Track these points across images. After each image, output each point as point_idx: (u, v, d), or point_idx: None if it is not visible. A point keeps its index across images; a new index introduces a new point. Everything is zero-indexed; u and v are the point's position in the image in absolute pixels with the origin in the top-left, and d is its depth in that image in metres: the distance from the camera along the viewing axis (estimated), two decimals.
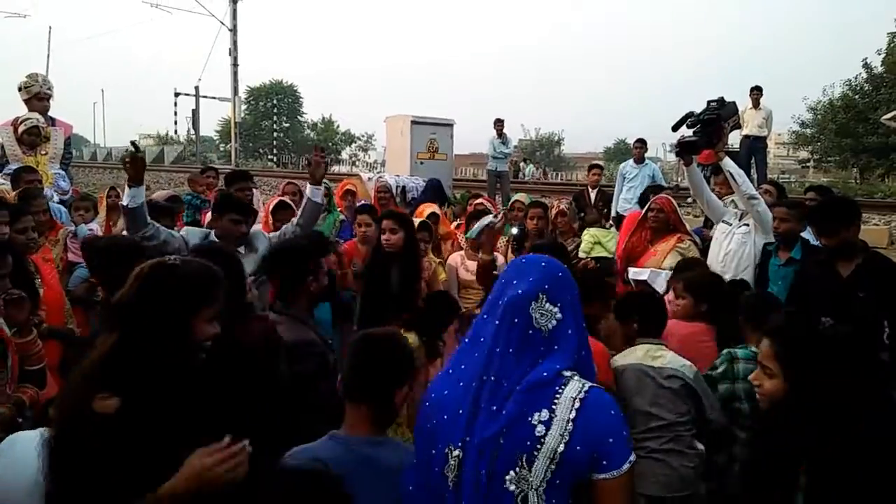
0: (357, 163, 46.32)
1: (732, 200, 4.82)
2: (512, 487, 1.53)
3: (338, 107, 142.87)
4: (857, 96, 24.04)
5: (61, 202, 5.55)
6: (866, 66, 23.94)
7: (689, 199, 9.67)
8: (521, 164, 27.98)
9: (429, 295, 3.83)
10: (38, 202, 4.21)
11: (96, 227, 5.20)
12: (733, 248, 4.53)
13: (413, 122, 12.17)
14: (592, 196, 8.60)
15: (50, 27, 34.30)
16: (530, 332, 1.61)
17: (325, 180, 5.18)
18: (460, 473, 1.59)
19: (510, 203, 6.45)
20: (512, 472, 1.53)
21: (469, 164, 32.84)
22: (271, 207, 4.81)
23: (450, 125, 12.91)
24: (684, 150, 4.68)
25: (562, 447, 1.51)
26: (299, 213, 4.09)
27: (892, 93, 22.21)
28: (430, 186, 6.62)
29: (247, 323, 2.43)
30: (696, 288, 3.55)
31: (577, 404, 1.54)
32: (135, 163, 3.61)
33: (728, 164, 4.56)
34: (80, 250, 3.83)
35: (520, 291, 1.64)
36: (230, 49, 27.38)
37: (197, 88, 32.89)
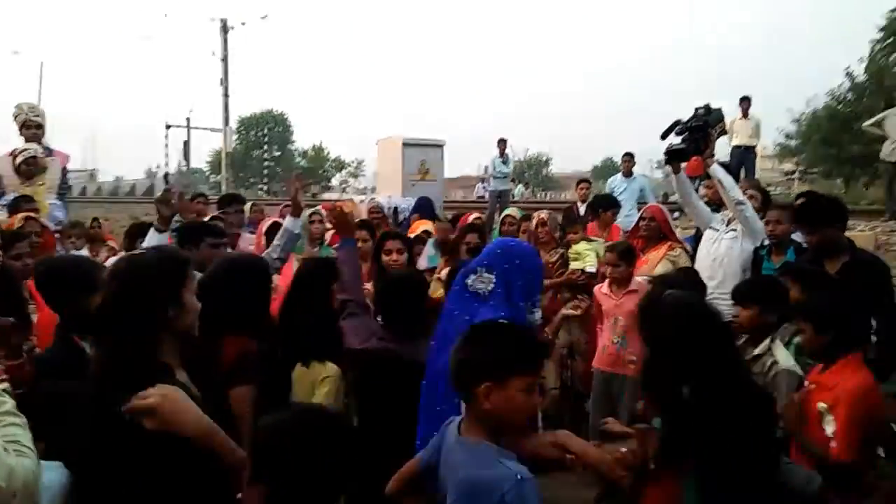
0: (347, 189, 46.47)
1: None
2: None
3: (328, 133, 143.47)
4: (840, 106, 24.31)
5: (56, 233, 5.57)
6: (849, 75, 24.22)
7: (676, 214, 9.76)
8: (511, 184, 28.12)
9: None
10: (30, 223, 4.21)
11: (85, 252, 5.22)
12: (721, 253, 4.58)
13: (405, 145, 12.30)
14: (581, 210, 8.67)
15: (41, 63, 34.46)
16: (466, 294, 2.35)
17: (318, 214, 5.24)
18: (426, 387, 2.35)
19: (502, 218, 6.52)
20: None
21: (457, 188, 32.98)
22: (265, 228, 4.84)
23: (440, 146, 13.03)
24: (672, 157, 4.74)
25: None
26: (276, 243, 4.05)
27: (875, 101, 22.47)
28: (420, 205, 6.68)
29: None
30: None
31: None
32: (169, 201, 3.57)
33: (716, 170, 4.62)
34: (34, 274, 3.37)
35: (463, 269, 2.40)
36: (221, 79, 27.57)
37: (188, 120, 33.07)
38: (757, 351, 3.05)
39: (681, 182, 4.79)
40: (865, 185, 21.34)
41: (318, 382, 2.80)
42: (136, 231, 4.65)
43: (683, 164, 4.83)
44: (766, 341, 3.04)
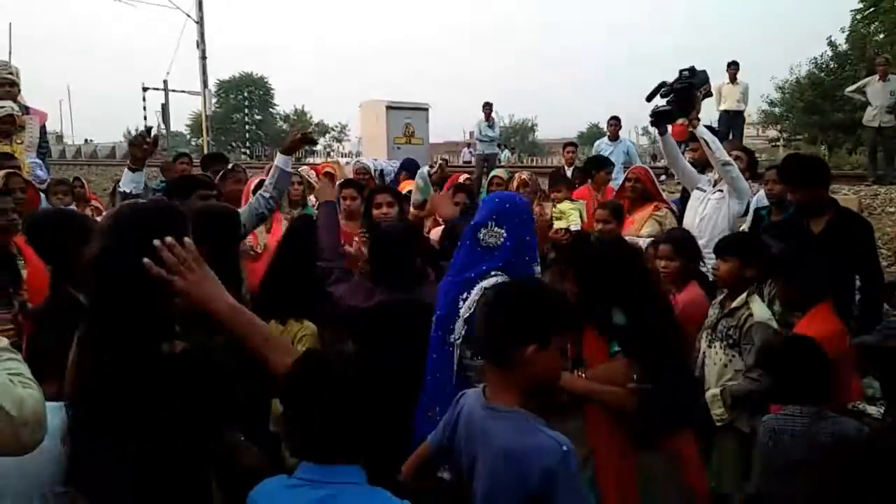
0: (332, 153, 46.04)
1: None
2: (450, 340, 2.35)
3: (310, 97, 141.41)
4: (823, 74, 24.39)
5: (40, 191, 5.49)
6: (831, 44, 24.28)
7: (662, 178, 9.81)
8: (498, 149, 28.05)
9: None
10: (14, 179, 4.13)
11: (72, 209, 5.15)
12: (708, 214, 4.61)
13: (388, 108, 12.20)
14: (569, 174, 8.68)
15: (10, 24, 33.43)
16: (478, 248, 2.42)
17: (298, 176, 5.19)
18: (434, 329, 2.45)
19: (490, 178, 6.51)
20: (451, 335, 2.35)
21: (443, 152, 32.75)
22: (252, 186, 4.78)
23: (425, 110, 12.94)
24: (659, 119, 4.74)
25: (467, 315, 2.32)
26: (269, 182, 3.82)
27: (856, 70, 22.52)
28: (405, 166, 6.64)
29: None
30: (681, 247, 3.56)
31: (482, 290, 2.30)
32: (142, 145, 3.38)
33: (702, 131, 4.63)
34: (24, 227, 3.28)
35: (475, 221, 2.46)
36: (197, 41, 26.89)
37: (165, 82, 32.32)
38: (734, 304, 3.10)
39: (667, 143, 4.80)
40: (849, 152, 21.50)
41: (295, 341, 2.84)
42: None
43: (669, 126, 4.84)
44: (743, 295, 3.09)
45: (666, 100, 4.72)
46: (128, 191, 3.38)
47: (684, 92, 4.64)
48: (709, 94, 4.86)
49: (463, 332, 2.33)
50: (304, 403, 1.54)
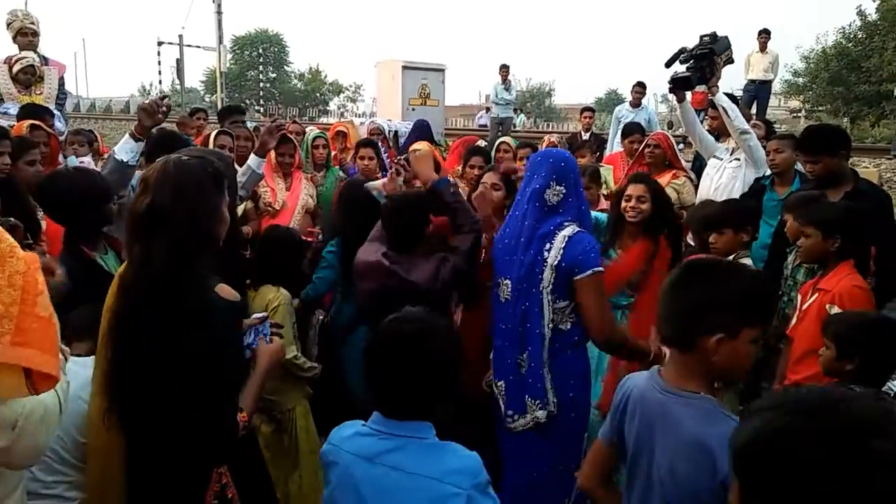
0: (346, 113, 45.66)
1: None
2: (537, 290, 2.56)
3: (325, 56, 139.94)
4: (850, 44, 23.82)
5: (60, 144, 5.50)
6: (860, 13, 23.65)
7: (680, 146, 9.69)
8: (513, 113, 27.77)
9: None
10: (37, 133, 4.14)
11: (89, 160, 5.17)
12: (724, 182, 4.59)
13: (404, 68, 12.05)
14: (585, 138, 8.61)
15: None
16: (545, 208, 2.62)
17: (323, 138, 5.16)
18: (510, 294, 2.66)
19: (497, 145, 6.46)
20: (539, 285, 2.56)
21: (458, 115, 32.48)
22: (213, 136, 4.72)
23: (441, 70, 12.77)
24: (677, 86, 4.67)
25: (556, 261, 2.53)
26: (240, 179, 3.69)
27: (885, 40, 22.01)
28: (418, 127, 6.59)
29: None
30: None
31: (565, 240, 2.53)
32: (155, 113, 3.19)
33: (721, 98, 4.57)
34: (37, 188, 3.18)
35: (537, 186, 2.64)
36: None
37: (181, 37, 32.11)
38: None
39: (685, 111, 4.74)
40: (872, 125, 21.10)
41: (268, 308, 2.89)
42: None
43: (689, 94, 4.77)
44: (732, 256, 3.21)
45: (686, 66, 4.65)
46: (125, 160, 3.20)
47: (704, 58, 4.56)
48: (730, 60, 4.76)
49: (552, 279, 2.53)
50: (380, 364, 1.68)
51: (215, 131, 4.69)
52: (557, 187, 2.61)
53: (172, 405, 1.70)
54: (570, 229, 2.57)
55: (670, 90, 4.79)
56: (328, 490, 1.74)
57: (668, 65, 4.76)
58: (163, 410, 1.70)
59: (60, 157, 4.85)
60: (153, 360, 1.68)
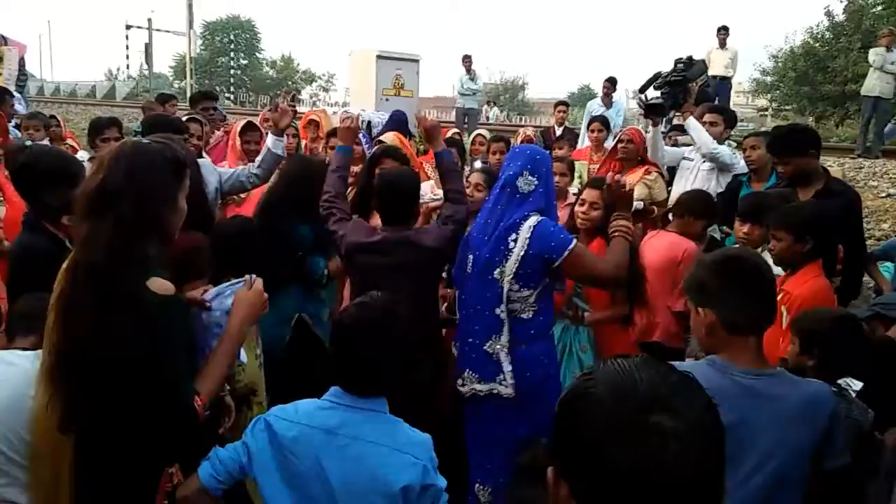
0: (318, 103, 45.23)
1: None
2: (496, 276, 2.70)
3: (298, 44, 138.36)
4: (817, 44, 24.23)
5: (16, 127, 5.32)
6: (828, 14, 24.07)
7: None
8: (486, 107, 27.75)
9: None
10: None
11: (46, 144, 5.01)
12: (698, 185, 4.64)
13: (378, 57, 11.90)
14: (559, 133, 8.60)
15: None
16: (516, 196, 2.75)
17: (293, 126, 5.07)
18: (473, 268, 2.80)
19: (472, 137, 6.44)
20: (497, 270, 2.70)
21: (432, 107, 32.36)
22: (239, 128, 4.67)
23: (416, 61, 12.65)
24: (651, 111, 4.76)
25: (522, 251, 2.66)
26: (258, 161, 3.79)
27: (851, 41, 22.42)
28: (394, 118, 6.49)
29: None
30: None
31: (531, 230, 2.67)
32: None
33: (691, 124, 4.67)
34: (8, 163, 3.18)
35: (511, 173, 2.79)
36: None
37: (150, 21, 31.50)
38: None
39: (655, 135, 4.83)
40: (836, 124, 21.54)
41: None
42: (99, 125, 4.43)
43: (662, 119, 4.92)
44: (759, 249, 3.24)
45: (660, 92, 4.72)
46: (280, 153, 3.70)
47: (678, 85, 4.64)
48: (706, 85, 4.88)
49: (516, 268, 2.66)
50: (348, 343, 1.83)
51: (183, 117, 4.57)
52: (530, 177, 2.76)
53: (116, 401, 1.64)
54: (533, 219, 2.70)
55: (644, 116, 4.88)
56: (253, 449, 1.81)
57: (643, 90, 4.88)
58: (107, 406, 1.64)
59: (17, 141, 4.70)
60: (94, 349, 1.61)
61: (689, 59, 4.81)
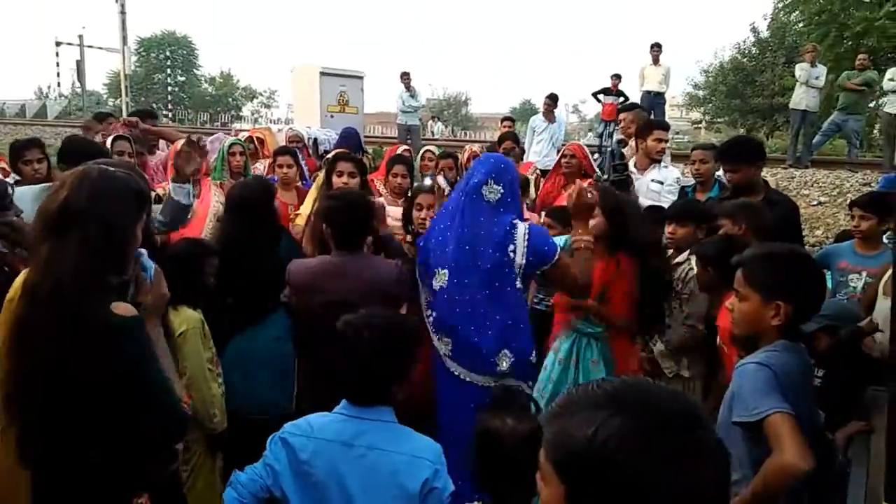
0: (260, 119, 44.62)
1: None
2: (502, 284, 2.77)
3: (237, 60, 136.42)
4: (745, 59, 25.33)
5: None
6: (754, 30, 25.25)
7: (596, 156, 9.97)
8: (430, 122, 27.89)
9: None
10: None
11: None
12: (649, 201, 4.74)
13: (322, 74, 11.83)
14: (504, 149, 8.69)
15: None
16: (484, 203, 2.79)
17: (239, 145, 4.94)
18: (447, 281, 2.82)
19: (420, 153, 6.45)
20: (509, 279, 2.77)
21: (376, 123, 32.34)
22: (178, 147, 4.52)
23: (360, 77, 12.64)
24: (619, 187, 4.83)
25: (523, 259, 2.74)
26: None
27: (776, 56, 23.54)
28: (346, 135, 6.42)
29: None
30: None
31: (526, 238, 2.74)
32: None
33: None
34: None
35: (475, 181, 2.82)
36: None
37: (81, 38, 30.53)
38: (678, 259, 3.48)
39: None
40: (766, 136, 22.49)
41: (175, 330, 2.63)
42: (18, 147, 4.22)
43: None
44: (685, 253, 3.43)
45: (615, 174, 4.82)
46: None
47: (623, 184, 4.73)
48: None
49: (520, 272, 2.77)
50: (347, 357, 1.88)
51: (112, 136, 4.47)
52: (495, 186, 2.79)
53: (87, 427, 1.57)
54: (522, 227, 2.78)
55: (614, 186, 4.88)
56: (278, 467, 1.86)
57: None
58: (74, 433, 1.57)
59: None
60: (60, 374, 1.54)
61: (624, 164, 4.91)
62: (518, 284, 2.80)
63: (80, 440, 1.58)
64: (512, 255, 2.75)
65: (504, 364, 2.76)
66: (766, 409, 1.77)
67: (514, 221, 2.79)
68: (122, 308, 1.64)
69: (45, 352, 1.55)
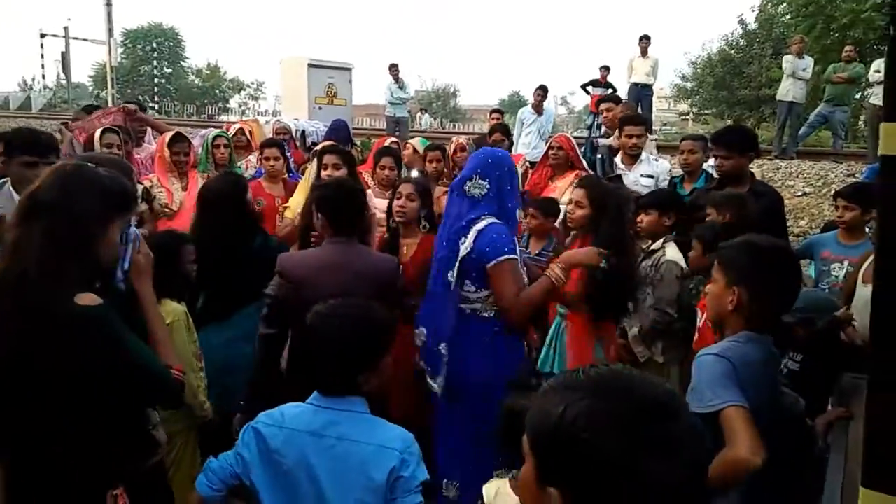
0: (247, 112, 44.27)
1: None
2: (449, 279, 2.76)
3: (224, 52, 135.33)
4: (732, 51, 25.42)
5: None
6: (742, 22, 25.34)
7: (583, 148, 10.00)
8: (419, 114, 27.83)
9: None
10: None
11: None
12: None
13: (310, 66, 11.79)
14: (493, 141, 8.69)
15: None
16: (466, 199, 2.79)
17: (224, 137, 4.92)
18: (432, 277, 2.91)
19: (403, 146, 6.45)
20: (449, 272, 2.76)
21: (364, 115, 32.22)
22: (168, 139, 4.53)
23: (348, 69, 12.60)
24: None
25: (465, 253, 2.71)
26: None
27: (763, 48, 23.64)
28: (336, 127, 6.40)
29: None
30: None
31: (477, 233, 2.70)
32: None
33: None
34: None
35: (460, 177, 2.85)
36: None
37: (66, 29, 30.19)
38: (652, 247, 3.54)
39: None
40: (753, 127, 22.61)
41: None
42: None
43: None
44: (661, 241, 3.51)
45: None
46: None
47: None
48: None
49: (458, 268, 2.74)
50: (317, 347, 1.90)
51: (100, 129, 4.45)
52: (480, 181, 2.77)
53: (45, 421, 1.58)
54: (483, 223, 2.73)
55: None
56: (247, 456, 1.87)
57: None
58: (34, 427, 1.58)
59: None
60: (22, 370, 1.55)
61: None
62: (450, 277, 2.76)
63: (47, 433, 1.59)
64: (461, 246, 2.74)
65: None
66: (721, 402, 1.77)
67: (482, 216, 2.75)
68: (87, 298, 1.64)
69: (8, 343, 1.57)
